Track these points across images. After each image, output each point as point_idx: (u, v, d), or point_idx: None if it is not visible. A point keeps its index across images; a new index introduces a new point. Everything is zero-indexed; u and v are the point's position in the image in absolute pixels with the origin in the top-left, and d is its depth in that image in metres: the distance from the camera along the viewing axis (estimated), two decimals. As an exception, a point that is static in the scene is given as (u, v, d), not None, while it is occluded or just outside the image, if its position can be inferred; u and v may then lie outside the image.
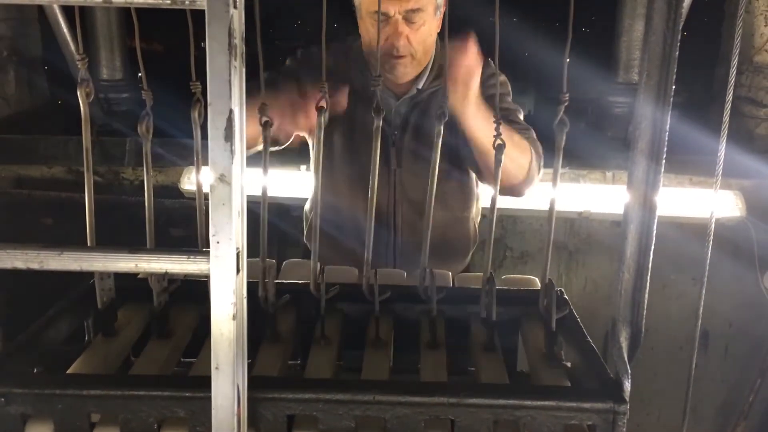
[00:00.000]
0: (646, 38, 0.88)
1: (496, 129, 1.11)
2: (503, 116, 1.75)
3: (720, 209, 2.54)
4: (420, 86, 1.81)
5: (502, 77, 1.86)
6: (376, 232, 1.47)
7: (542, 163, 1.77)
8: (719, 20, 3.15)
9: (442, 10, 1.74)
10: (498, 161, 1.12)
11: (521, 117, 1.87)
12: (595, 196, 2.67)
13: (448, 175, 1.83)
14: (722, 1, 3.12)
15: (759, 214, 2.63)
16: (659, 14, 0.86)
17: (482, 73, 1.77)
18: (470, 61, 1.47)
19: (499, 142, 1.11)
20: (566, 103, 1.03)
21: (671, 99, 0.90)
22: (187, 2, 0.77)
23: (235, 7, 0.76)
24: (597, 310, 2.58)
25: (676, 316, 2.70)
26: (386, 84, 1.81)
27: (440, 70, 1.80)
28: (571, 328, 1.19)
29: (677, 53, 0.87)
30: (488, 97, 1.75)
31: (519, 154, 1.69)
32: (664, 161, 0.93)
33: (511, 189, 1.76)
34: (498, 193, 1.16)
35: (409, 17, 1.66)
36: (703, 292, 1.21)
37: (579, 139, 2.82)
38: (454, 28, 1.12)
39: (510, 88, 1.91)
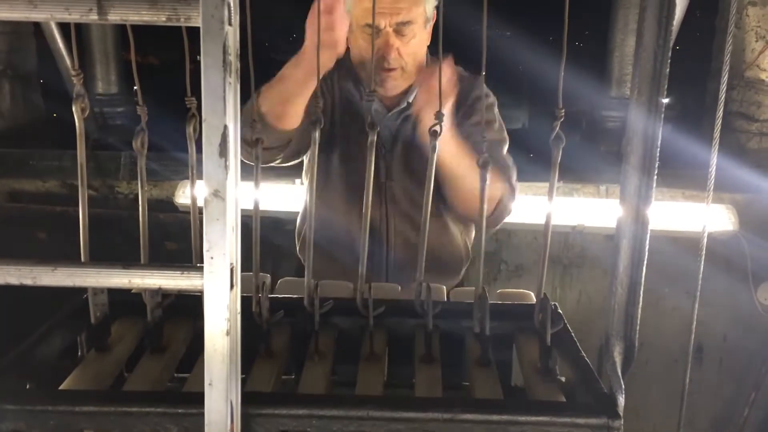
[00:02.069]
0: (636, 54, 0.89)
1: (482, 149, 1.11)
2: (486, 149, 1.77)
3: (713, 223, 2.55)
4: (410, 99, 1.81)
5: (491, 99, 1.86)
6: (368, 245, 1.46)
7: (515, 197, 1.82)
8: (712, 35, 3.19)
9: (432, 23, 1.75)
10: (483, 178, 1.12)
11: (505, 148, 1.86)
12: (589, 209, 2.68)
13: (439, 191, 1.83)
14: (714, 16, 3.16)
15: (752, 228, 2.65)
16: (649, 31, 0.86)
17: (469, 95, 1.79)
18: (444, 85, 1.49)
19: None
20: (562, 119, 1.04)
21: (662, 114, 0.90)
22: (182, 19, 0.77)
23: (230, 24, 0.77)
24: (591, 324, 2.57)
25: (670, 330, 2.70)
26: (377, 97, 1.82)
27: None
28: (566, 342, 1.19)
29: (668, 69, 0.88)
30: (475, 122, 1.77)
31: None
32: (656, 175, 0.93)
33: (475, 218, 1.81)
34: (484, 228, 1.18)
35: (399, 30, 1.66)
36: (696, 305, 1.22)
37: (573, 152, 2.84)
38: (445, 41, 1.13)
39: (497, 113, 1.88)
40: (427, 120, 1.48)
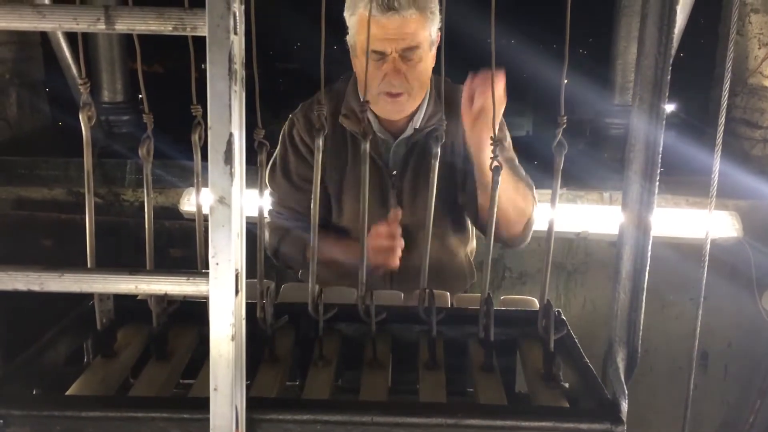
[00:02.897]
0: (638, 62, 0.89)
1: (493, 151, 1.11)
2: (510, 165, 1.78)
3: (716, 229, 2.55)
4: (417, 126, 1.81)
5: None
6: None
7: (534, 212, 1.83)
8: (716, 42, 3.19)
9: (436, 45, 1.75)
10: (495, 182, 1.12)
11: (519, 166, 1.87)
12: (593, 216, 2.68)
13: (445, 213, 1.84)
14: (718, 23, 3.16)
15: (756, 234, 2.64)
16: (650, 39, 0.87)
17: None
18: (500, 93, 1.47)
19: (496, 164, 1.12)
20: (564, 126, 1.04)
21: (664, 122, 0.91)
22: (188, 29, 0.78)
23: (235, 33, 0.78)
24: (596, 331, 2.56)
25: (675, 337, 2.70)
26: (383, 124, 1.82)
27: (437, 108, 1.80)
28: (569, 348, 1.20)
29: (669, 77, 0.88)
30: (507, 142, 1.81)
31: (523, 205, 1.75)
32: (659, 182, 0.94)
33: (508, 239, 1.83)
34: (492, 237, 1.17)
35: (405, 55, 1.66)
36: (700, 312, 1.22)
37: (577, 160, 2.85)
38: (449, 50, 1.14)
39: (506, 130, 1.89)
40: (482, 126, 1.52)
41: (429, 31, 1.69)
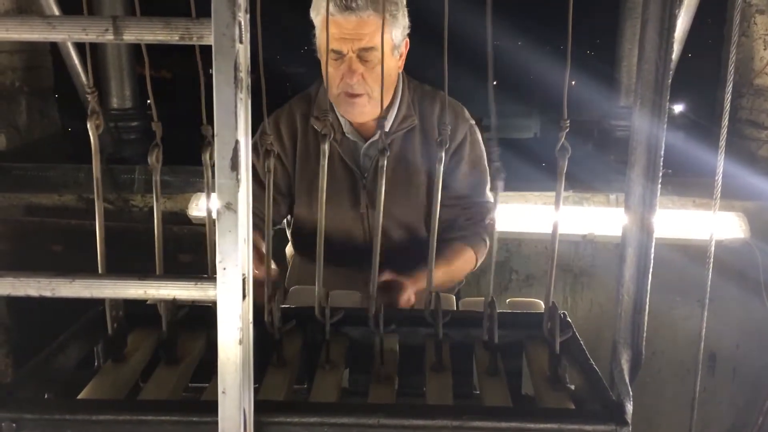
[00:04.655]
0: (639, 67, 0.90)
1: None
2: (467, 196, 1.82)
3: (723, 231, 2.55)
4: (387, 129, 1.82)
5: (475, 133, 1.86)
6: (350, 270, 1.44)
7: (487, 249, 1.86)
8: (723, 42, 3.19)
9: (402, 51, 1.76)
10: (495, 187, 1.14)
11: (488, 186, 1.88)
12: (599, 219, 2.68)
13: (423, 213, 1.87)
14: (725, 24, 3.16)
15: (763, 235, 2.64)
16: (651, 44, 0.88)
17: (455, 134, 1.82)
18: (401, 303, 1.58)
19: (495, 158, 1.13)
20: (567, 130, 1.05)
21: (665, 124, 0.92)
22: (195, 38, 0.80)
23: (240, 42, 0.79)
24: (603, 333, 2.57)
25: (683, 339, 2.69)
26: (355, 127, 1.84)
27: (409, 110, 1.82)
28: (575, 350, 1.20)
29: (670, 80, 0.89)
30: (462, 170, 1.83)
31: (463, 272, 1.87)
32: (667, 184, 0.94)
33: None
34: (496, 242, 1.18)
35: (363, 56, 1.67)
36: (705, 314, 1.22)
37: (584, 162, 2.85)
38: (453, 51, 1.14)
39: (480, 141, 1.90)
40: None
41: (390, 35, 1.70)
